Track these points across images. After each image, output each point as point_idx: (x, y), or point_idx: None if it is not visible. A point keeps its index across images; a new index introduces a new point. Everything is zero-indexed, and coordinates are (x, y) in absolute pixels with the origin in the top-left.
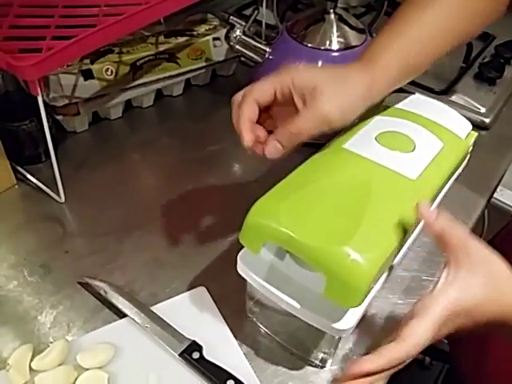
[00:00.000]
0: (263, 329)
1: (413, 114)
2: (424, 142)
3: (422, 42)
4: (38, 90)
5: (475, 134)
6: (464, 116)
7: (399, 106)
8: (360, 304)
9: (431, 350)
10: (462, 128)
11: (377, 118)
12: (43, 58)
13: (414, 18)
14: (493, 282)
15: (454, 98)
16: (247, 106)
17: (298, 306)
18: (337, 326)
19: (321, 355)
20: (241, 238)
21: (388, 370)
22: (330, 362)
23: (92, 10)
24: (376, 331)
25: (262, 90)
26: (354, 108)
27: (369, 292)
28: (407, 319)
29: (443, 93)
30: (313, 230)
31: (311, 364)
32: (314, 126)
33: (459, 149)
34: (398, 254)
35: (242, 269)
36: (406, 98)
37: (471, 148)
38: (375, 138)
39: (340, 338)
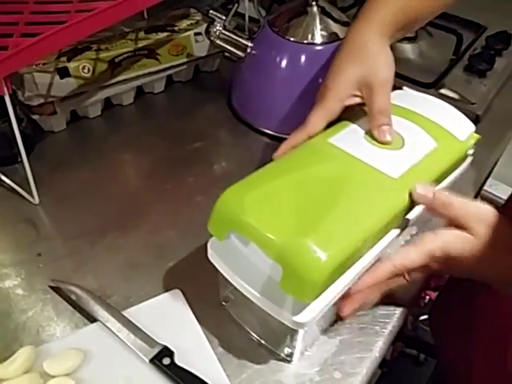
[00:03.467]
0: (236, 318)
1: (409, 111)
2: (415, 141)
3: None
4: (5, 89)
5: (477, 136)
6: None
7: (396, 102)
8: (314, 299)
9: (424, 347)
10: (462, 129)
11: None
12: (8, 56)
13: None
14: (480, 244)
15: (442, 91)
16: (296, 138)
17: (258, 294)
18: (296, 318)
19: (287, 349)
20: (208, 225)
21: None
22: (296, 357)
23: (65, 5)
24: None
25: (318, 127)
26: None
27: (327, 287)
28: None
29: (431, 86)
30: (275, 222)
31: (278, 358)
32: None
33: (455, 151)
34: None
35: (211, 255)
36: (404, 94)
37: (472, 151)
38: (364, 134)
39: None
